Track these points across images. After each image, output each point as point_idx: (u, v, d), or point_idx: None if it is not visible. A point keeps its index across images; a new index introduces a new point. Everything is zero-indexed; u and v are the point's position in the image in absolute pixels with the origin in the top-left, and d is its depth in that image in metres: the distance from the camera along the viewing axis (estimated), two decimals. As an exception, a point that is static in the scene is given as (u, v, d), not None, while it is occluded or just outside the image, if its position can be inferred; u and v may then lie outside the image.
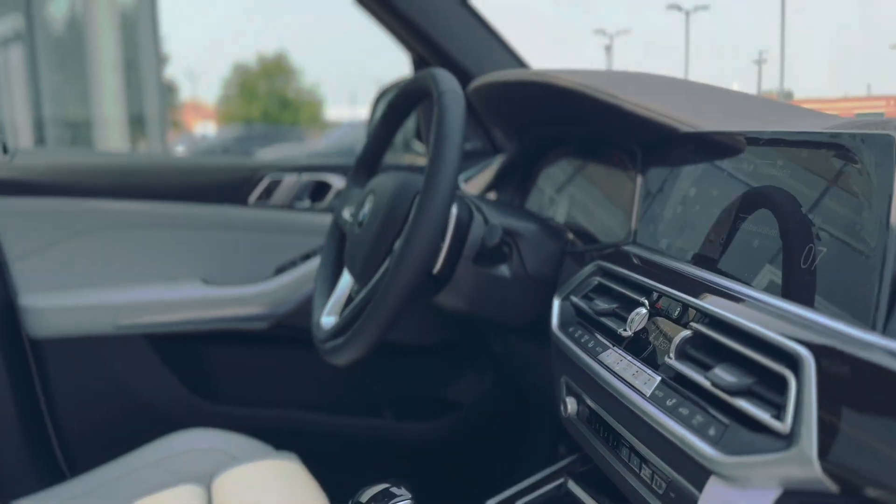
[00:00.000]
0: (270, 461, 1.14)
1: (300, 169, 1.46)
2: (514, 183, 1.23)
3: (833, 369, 0.47)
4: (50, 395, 1.32)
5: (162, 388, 1.35)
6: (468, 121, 1.42)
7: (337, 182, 1.44)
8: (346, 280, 1.07)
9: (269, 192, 1.43)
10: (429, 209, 0.82)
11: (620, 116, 0.86)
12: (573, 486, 0.82)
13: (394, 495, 0.63)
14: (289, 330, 1.38)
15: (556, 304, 0.85)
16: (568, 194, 1.10)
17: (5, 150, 1.33)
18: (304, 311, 1.34)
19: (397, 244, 0.87)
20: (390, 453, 1.44)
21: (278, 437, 1.23)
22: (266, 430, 1.26)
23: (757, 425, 0.50)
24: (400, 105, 1.04)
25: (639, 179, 0.87)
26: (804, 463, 0.45)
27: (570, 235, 1.00)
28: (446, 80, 0.89)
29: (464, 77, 1.25)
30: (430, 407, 1.48)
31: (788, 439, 0.47)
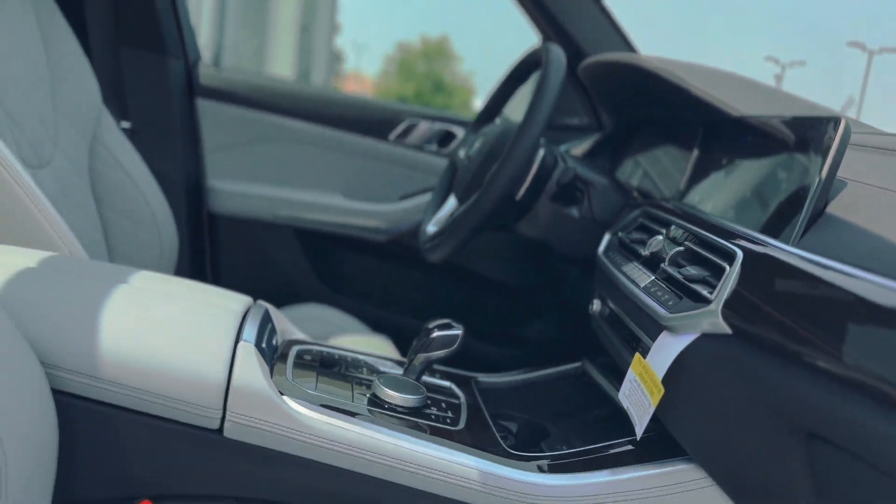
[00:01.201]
0: (369, 336, 1.44)
1: (433, 118, 1.74)
2: (608, 154, 1.46)
3: (752, 262, 0.68)
4: (215, 258, 1.69)
5: (297, 269, 1.70)
6: (581, 98, 1.65)
7: (460, 133, 1.72)
8: (451, 202, 1.34)
9: (406, 132, 1.72)
10: (517, 145, 1.08)
11: (689, 99, 1.08)
12: (588, 367, 1.06)
13: (451, 325, 0.89)
14: (401, 247, 1.68)
15: (606, 237, 1.08)
16: (644, 164, 1.32)
17: (216, 64, 1.71)
18: (417, 233, 1.64)
19: (490, 170, 1.13)
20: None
21: (376, 325, 1.53)
22: (368, 318, 1.57)
23: (699, 297, 0.72)
24: (519, 69, 1.30)
25: (695, 152, 1.08)
26: (713, 315, 0.68)
27: (635, 193, 1.22)
28: (554, 52, 1.14)
29: (580, 56, 1.49)
30: (502, 335, 1.73)
31: (709, 302, 0.69)
